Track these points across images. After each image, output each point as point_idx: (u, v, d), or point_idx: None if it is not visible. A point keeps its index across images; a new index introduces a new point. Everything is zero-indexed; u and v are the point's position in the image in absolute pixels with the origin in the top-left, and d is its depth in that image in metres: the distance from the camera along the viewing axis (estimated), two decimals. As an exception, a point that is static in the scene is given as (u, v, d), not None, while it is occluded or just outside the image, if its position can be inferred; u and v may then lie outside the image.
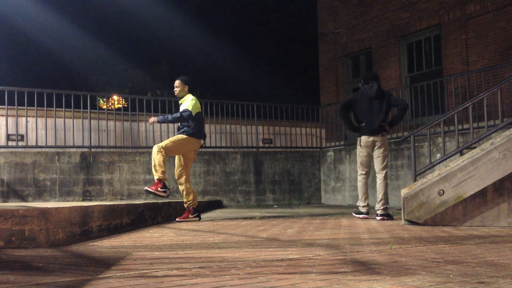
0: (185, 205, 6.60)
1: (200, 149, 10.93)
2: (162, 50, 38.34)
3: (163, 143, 6.44)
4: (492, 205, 5.51)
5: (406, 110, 6.94)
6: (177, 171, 6.61)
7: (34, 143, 9.52)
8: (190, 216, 6.60)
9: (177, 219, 6.58)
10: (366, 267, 2.83)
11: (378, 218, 6.69)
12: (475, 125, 7.82)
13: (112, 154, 9.97)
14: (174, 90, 6.81)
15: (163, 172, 6.35)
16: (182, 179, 6.60)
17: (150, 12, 36.16)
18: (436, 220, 5.59)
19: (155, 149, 6.35)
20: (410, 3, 12.74)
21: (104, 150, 10.18)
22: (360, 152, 6.93)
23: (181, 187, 6.61)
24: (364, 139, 6.85)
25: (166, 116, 6.66)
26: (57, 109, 9.69)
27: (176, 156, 6.66)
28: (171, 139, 6.59)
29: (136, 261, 3.10)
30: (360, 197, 6.98)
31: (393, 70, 13.12)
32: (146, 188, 6.49)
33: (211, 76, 35.84)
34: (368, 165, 6.95)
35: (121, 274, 2.63)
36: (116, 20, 37.03)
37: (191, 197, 6.57)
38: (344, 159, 11.70)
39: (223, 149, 11.30)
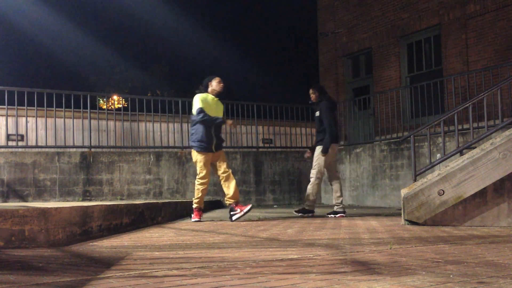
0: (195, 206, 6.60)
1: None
2: (162, 50, 38.34)
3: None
4: (492, 205, 5.51)
5: None
6: (209, 177, 6.63)
7: (34, 143, 9.51)
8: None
9: (193, 220, 6.53)
10: (366, 267, 2.83)
11: (337, 216, 7.21)
12: (475, 125, 7.81)
13: (112, 154, 9.97)
14: (221, 86, 6.69)
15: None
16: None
17: (150, 12, 36.17)
18: (436, 220, 5.58)
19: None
20: (410, 3, 12.73)
21: (104, 150, 10.18)
22: (327, 158, 7.32)
23: (204, 189, 6.60)
24: (334, 146, 7.38)
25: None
26: (57, 109, 9.69)
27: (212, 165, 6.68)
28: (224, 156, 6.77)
29: (136, 261, 3.10)
30: (312, 198, 7.30)
31: (393, 70, 13.12)
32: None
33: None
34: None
35: (121, 274, 2.63)
36: (116, 20, 37.03)
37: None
38: (344, 159, 11.71)
39: (223, 149, 11.28)
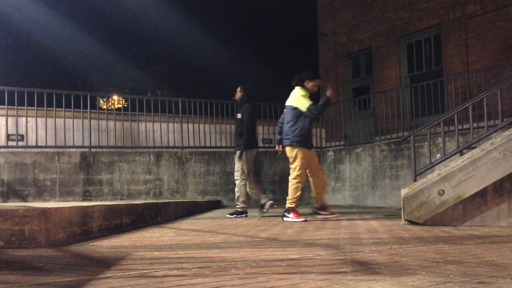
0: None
1: (200, 149, 10.97)
2: (162, 50, 38.34)
3: None
4: (492, 205, 5.51)
5: None
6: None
7: (34, 143, 9.51)
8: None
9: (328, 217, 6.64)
10: (366, 267, 2.83)
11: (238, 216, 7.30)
12: (475, 125, 7.82)
13: (112, 154, 9.97)
14: (315, 90, 6.76)
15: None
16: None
17: (150, 12, 36.17)
18: (436, 220, 5.58)
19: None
20: (410, 3, 12.74)
21: (104, 150, 10.18)
22: (250, 162, 7.49)
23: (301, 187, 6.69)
24: (254, 151, 7.55)
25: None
26: (57, 109, 9.69)
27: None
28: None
29: (136, 261, 3.10)
30: (243, 199, 7.43)
31: (393, 70, 13.12)
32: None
33: (211, 76, 35.87)
34: None
35: (121, 274, 2.63)
36: (116, 20, 37.03)
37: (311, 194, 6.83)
38: (344, 159, 11.70)
39: (223, 149, 11.29)
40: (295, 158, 6.54)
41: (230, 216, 7.31)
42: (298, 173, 6.51)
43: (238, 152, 7.43)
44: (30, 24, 32.39)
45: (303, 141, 6.53)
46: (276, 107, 12.12)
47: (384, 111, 11.74)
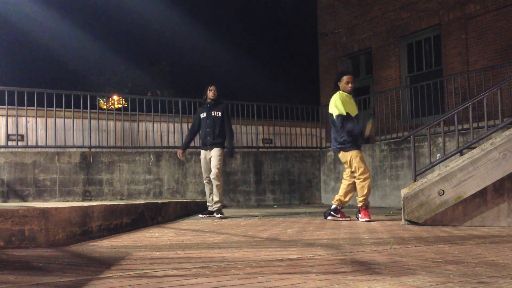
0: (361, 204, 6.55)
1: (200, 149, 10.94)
2: (162, 50, 38.35)
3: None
4: (492, 205, 5.51)
5: None
6: (369, 170, 6.64)
7: (34, 143, 9.51)
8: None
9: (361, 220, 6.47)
10: (366, 267, 2.83)
11: (217, 215, 7.12)
12: (475, 125, 7.81)
13: (112, 154, 9.97)
14: (351, 87, 6.62)
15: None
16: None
17: (150, 12, 36.18)
18: (436, 220, 5.58)
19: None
20: (410, 3, 12.73)
21: (104, 150, 10.18)
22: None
23: (369, 184, 6.54)
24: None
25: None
26: (57, 109, 9.69)
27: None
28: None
29: (136, 261, 3.10)
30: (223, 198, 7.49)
31: (393, 70, 13.11)
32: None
33: (211, 76, 35.85)
34: None
35: (121, 274, 2.63)
36: (117, 20, 37.04)
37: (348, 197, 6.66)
38: (344, 159, 11.69)
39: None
40: (350, 161, 6.47)
41: (221, 216, 7.12)
42: (361, 171, 6.40)
43: (217, 150, 7.25)
44: (30, 24, 32.40)
45: (350, 145, 6.44)
46: (276, 107, 12.12)
47: (384, 111, 11.73)
